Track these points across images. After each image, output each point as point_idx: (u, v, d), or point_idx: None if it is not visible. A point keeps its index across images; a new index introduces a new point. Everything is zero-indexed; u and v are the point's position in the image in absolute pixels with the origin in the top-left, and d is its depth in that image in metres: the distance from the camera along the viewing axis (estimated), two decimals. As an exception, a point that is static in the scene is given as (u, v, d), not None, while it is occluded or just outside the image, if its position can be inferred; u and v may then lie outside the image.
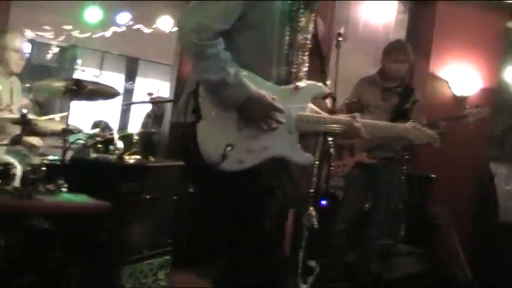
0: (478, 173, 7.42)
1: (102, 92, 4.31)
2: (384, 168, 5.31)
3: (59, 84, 4.10)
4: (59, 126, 4.05)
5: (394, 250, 5.64)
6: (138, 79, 12.91)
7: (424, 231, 6.54)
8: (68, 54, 11.44)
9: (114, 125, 9.70)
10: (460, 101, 7.16)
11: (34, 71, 9.88)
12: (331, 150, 3.73)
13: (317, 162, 3.82)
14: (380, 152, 5.31)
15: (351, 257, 5.75)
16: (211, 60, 2.35)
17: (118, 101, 8.92)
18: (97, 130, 4.67)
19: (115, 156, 3.96)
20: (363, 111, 5.23)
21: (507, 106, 9.19)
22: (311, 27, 2.67)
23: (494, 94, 7.49)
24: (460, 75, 7.20)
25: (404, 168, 5.01)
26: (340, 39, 4.01)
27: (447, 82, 7.24)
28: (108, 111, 10.72)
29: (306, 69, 2.68)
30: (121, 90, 12.53)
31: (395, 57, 5.35)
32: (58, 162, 3.88)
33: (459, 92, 7.21)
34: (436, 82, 7.22)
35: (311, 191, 3.99)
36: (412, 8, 7.84)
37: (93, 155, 4.05)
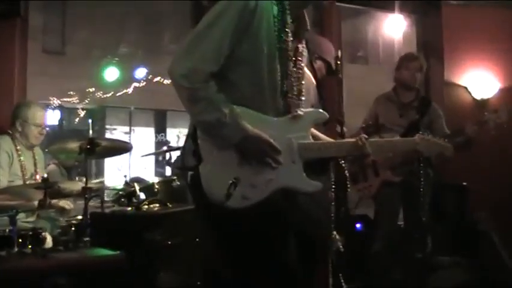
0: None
1: (116, 148, 4.44)
2: (409, 182, 5.27)
3: (73, 145, 4.23)
4: (80, 186, 4.18)
5: (437, 262, 5.57)
6: (168, 130, 13.11)
7: (466, 239, 6.44)
8: (97, 116, 11.74)
9: (150, 176, 9.89)
10: (481, 104, 7.09)
11: (66, 136, 10.17)
12: (346, 172, 3.74)
13: (333, 187, 3.81)
14: (404, 168, 5.28)
15: (394, 275, 5.69)
16: (204, 103, 2.37)
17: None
18: (119, 185, 4.79)
19: (132, 208, 4.06)
20: (380, 132, 5.23)
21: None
22: (303, 55, 2.71)
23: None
24: (477, 79, 7.14)
25: (422, 180, 4.96)
26: (338, 62, 4.03)
27: (465, 88, 7.19)
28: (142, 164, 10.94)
29: (303, 97, 2.70)
30: (153, 143, 12.77)
31: (408, 65, 5.40)
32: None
33: (479, 95, 7.14)
34: (453, 89, 7.17)
35: (332, 215, 3.98)
36: (418, 20, 7.85)
37: (113, 209, 4.15)
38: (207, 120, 2.38)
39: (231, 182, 2.41)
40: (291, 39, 2.56)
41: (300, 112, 2.60)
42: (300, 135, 2.59)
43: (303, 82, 2.67)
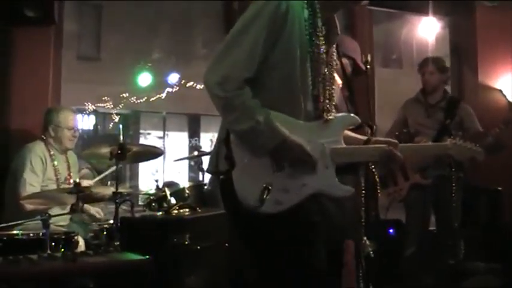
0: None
1: (147, 153, 4.49)
2: (440, 186, 5.23)
3: (105, 150, 4.29)
4: (112, 191, 4.23)
5: (471, 268, 5.51)
6: (202, 134, 13.18)
7: (499, 244, 6.35)
8: (130, 120, 11.87)
9: (184, 181, 9.95)
10: (516, 108, 7.00)
11: (100, 141, 10.30)
12: (376, 177, 3.72)
13: (364, 192, 3.80)
14: (433, 171, 5.24)
15: (426, 281, 5.64)
16: (239, 111, 2.35)
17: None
18: (151, 190, 4.84)
19: (162, 213, 4.10)
20: (413, 140, 5.22)
21: None
22: (334, 59, 2.68)
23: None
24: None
25: (453, 185, 4.92)
26: (368, 67, 4.01)
27: (500, 91, 7.09)
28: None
29: (334, 102, 2.68)
30: (186, 147, 12.87)
31: (423, 70, 5.51)
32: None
33: (515, 98, 7.05)
34: (488, 92, 7.10)
35: (362, 221, 3.95)
36: (451, 22, 7.77)
37: (143, 214, 4.19)
38: (242, 128, 2.37)
39: (264, 186, 2.40)
40: (323, 42, 2.55)
41: (331, 117, 2.59)
42: (332, 140, 2.58)
43: (334, 87, 2.66)
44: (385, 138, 2.79)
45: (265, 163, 2.44)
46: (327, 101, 2.59)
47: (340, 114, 2.70)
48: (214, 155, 2.57)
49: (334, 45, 2.69)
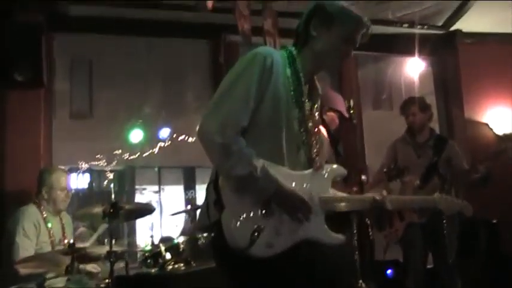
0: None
1: (139, 210, 4.52)
2: (435, 223, 5.24)
3: (97, 210, 4.32)
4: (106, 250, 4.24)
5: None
6: (197, 186, 13.14)
7: (500, 276, 6.34)
8: (125, 177, 11.85)
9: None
10: (504, 139, 7.06)
11: (96, 198, 10.28)
12: (367, 221, 3.77)
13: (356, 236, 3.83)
14: (430, 209, 5.24)
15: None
16: (237, 157, 2.40)
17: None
18: (147, 247, 4.84)
19: (156, 269, 4.10)
20: (403, 175, 5.25)
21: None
22: (317, 114, 2.77)
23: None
24: (498, 114, 7.13)
25: (444, 221, 4.92)
26: (351, 111, 4.10)
27: (487, 124, 7.18)
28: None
29: (321, 153, 2.75)
30: (182, 200, 12.83)
31: (406, 111, 5.56)
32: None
33: (501, 131, 7.12)
34: (475, 126, 7.19)
35: (356, 264, 3.98)
36: (435, 61, 7.90)
37: (137, 272, 4.19)
38: (240, 174, 2.41)
39: (256, 227, 2.42)
40: (307, 99, 2.65)
41: (319, 167, 2.68)
42: (321, 189, 2.66)
43: (318, 137, 2.74)
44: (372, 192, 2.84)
45: (256, 206, 2.47)
46: (314, 153, 2.68)
47: (328, 165, 2.77)
48: (204, 205, 2.60)
49: (317, 103, 2.77)
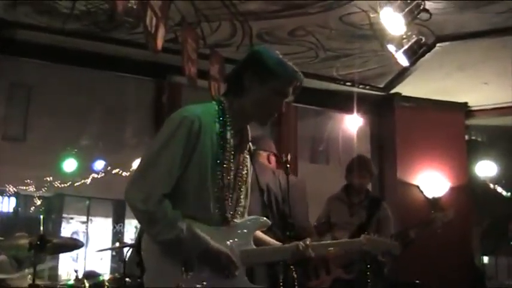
0: (467, 270, 7.45)
1: (66, 245, 4.43)
2: (360, 282, 5.29)
3: (24, 241, 4.20)
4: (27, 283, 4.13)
5: None
6: (126, 221, 12.95)
7: None
8: (53, 205, 11.60)
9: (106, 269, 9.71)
10: (433, 203, 7.30)
11: (22, 224, 10.00)
12: (293, 274, 3.76)
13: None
14: (356, 266, 5.30)
15: None
16: (162, 223, 2.43)
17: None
18: (70, 281, 4.73)
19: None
20: (333, 230, 5.30)
21: (483, 200, 9.35)
22: (245, 165, 2.76)
23: (465, 191, 7.66)
24: (429, 178, 7.37)
25: (368, 280, 4.98)
26: (288, 165, 4.11)
27: (417, 186, 7.40)
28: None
29: (244, 205, 2.76)
30: (110, 233, 12.61)
31: (358, 173, 5.46)
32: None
33: (430, 194, 7.35)
34: (406, 188, 7.39)
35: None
36: (373, 120, 8.14)
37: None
38: (167, 238, 2.44)
39: (176, 286, 2.42)
40: (232, 152, 2.65)
41: (240, 220, 2.70)
42: (242, 242, 2.67)
43: (242, 190, 2.74)
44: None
45: (176, 266, 2.48)
46: (234, 206, 2.68)
47: (250, 217, 2.79)
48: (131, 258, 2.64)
49: (245, 153, 2.78)
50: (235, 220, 2.68)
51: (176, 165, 2.51)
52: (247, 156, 2.80)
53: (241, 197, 2.72)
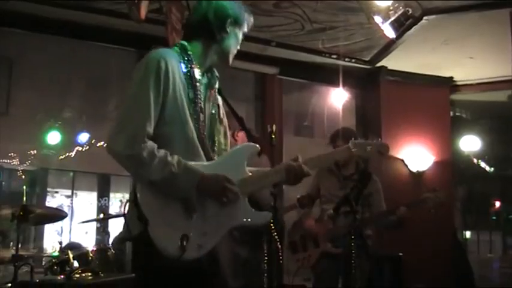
0: (449, 245, 7.52)
1: (50, 216, 4.40)
2: (347, 256, 5.29)
3: (6, 211, 4.18)
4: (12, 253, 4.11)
5: None
6: (111, 195, 12.94)
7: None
8: (38, 178, 11.54)
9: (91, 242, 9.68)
10: (417, 176, 7.33)
11: (6, 198, 9.95)
12: (278, 244, 3.76)
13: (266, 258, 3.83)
14: (345, 240, 5.30)
15: None
16: (150, 162, 2.43)
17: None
18: (54, 252, 4.71)
19: (62, 277, 3.99)
20: (313, 204, 5.32)
21: (464, 174, 9.43)
22: (217, 100, 2.81)
23: (449, 165, 7.70)
24: (413, 152, 7.40)
25: (353, 252, 4.99)
26: (273, 136, 4.09)
27: (402, 160, 7.43)
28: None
29: (225, 143, 2.80)
30: (95, 207, 12.59)
31: (334, 143, 5.43)
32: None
33: (415, 168, 7.38)
34: (391, 162, 7.40)
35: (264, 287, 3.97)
36: (358, 94, 8.13)
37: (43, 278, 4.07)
38: (160, 176, 2.45)
39: (182, 236, 2.43)
40: (203, 90, 2.71)
41: (229, 150, 2.77)
42: (238, 171, 2.65)
43: (219, 129, 2.78)
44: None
45: (178, 212, 2.49)
46: (222, 138, 2.77)
47: (239, 145, 2.83)
48: (127, 218, 2.59)
49: (215, 88, 2.81)
50: (212, 155, 2.69)
51: (153, 104, 2.53)
52: (219, 96, 2.84)
53: (221, 136, 2.77)
